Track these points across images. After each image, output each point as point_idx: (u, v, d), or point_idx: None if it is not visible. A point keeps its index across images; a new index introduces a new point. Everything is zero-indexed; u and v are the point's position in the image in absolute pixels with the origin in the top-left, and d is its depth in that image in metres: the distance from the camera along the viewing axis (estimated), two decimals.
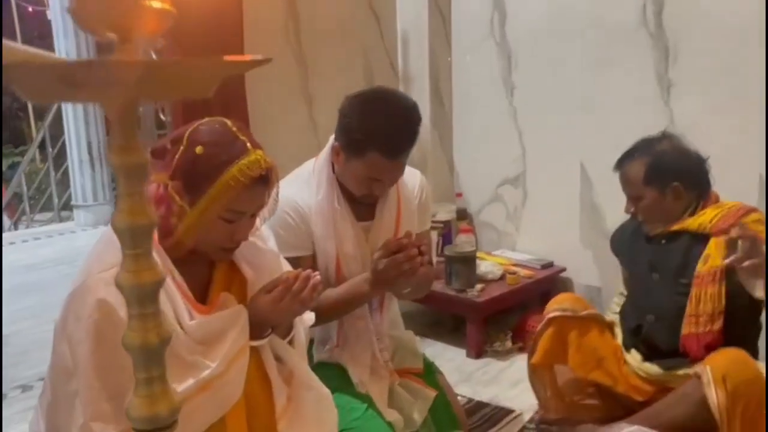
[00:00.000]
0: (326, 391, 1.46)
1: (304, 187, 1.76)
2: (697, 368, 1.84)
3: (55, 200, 6.86)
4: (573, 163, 3.27)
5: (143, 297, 0.72)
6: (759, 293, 1.75)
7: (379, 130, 1.61)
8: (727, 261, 1.74)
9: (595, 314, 2.18)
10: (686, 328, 1.92)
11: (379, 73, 3.46)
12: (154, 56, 2.76)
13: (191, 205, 1.24)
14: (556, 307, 2.17)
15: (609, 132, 3.06)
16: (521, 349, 3.07)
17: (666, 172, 1.95)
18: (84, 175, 6.33)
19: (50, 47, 5.51)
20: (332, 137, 1.75)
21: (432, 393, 1.86)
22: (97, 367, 1.13)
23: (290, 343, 1.43)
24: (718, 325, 1.88)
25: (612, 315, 2.28)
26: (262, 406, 1.35)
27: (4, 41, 0.56)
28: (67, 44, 5.78)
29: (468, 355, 3.12)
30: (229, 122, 1.30)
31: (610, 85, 3.09)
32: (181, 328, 1.23)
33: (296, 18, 3.03)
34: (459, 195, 3.71)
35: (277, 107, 2.97)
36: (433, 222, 2.50)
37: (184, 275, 1.28)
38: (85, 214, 6.43)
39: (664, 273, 2.01)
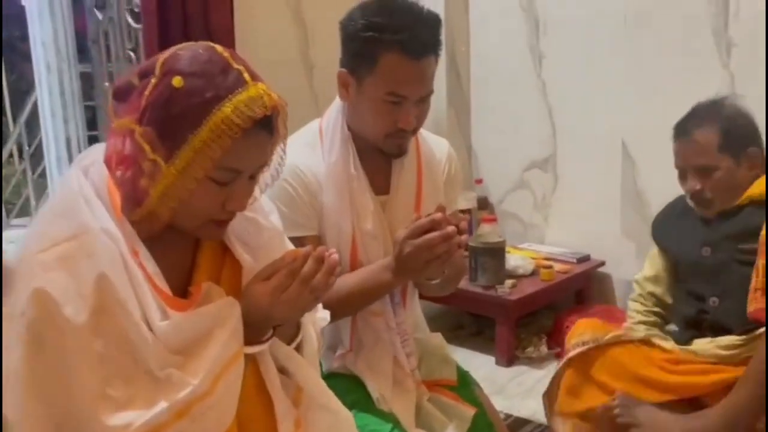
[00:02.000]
0: (346, 413, 1.28)
1: (306, 150, 1.58)
2: None
3: (33, 203, 6.71)
4: (613, 142, 3.12)
5: None
6: None
7: (392, 22, 1.46)
8: None
9: (619, 335, 2.01)
10: (752, 305, 1.75)
11: None
12: (129, 18, 2.62)
13: (168, 160, 1.03)
14: (576, 341, 2.00)
15: (656, 104, 2.89)
16: (558, 356, 2.93)
17: (741, 138, 1.88)
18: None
19: (24, 33, 5.39)
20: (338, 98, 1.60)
21: (470, 411, 1.67)
22: (35, 383, 0.95)
23: (297, 349, 1.23)
24: None
25: (638, 323, 2.08)
26: None
27: None
28: (42, 30, 5.62)
29: (498, 362, 2.99)
30: (218, 47, 1.08)
31: (657, 49, 2.93)
32: (151, 331, 1.02)
33: None
34: (479, 181, 3.58)
35: (272, 76, 2.75)
36: None
37: (159, 260, 1.08)
38: None
39: (718, 245, 1.91)
